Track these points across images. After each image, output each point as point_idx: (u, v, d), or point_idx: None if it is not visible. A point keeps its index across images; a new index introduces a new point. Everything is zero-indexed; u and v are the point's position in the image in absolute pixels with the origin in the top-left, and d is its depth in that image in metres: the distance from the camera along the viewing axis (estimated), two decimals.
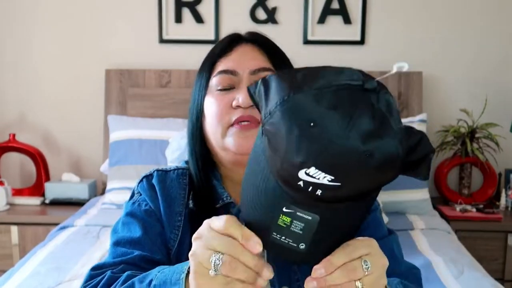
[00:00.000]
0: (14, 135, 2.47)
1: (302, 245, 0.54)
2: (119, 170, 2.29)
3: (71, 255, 1.68)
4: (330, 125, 0.47)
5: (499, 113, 2.50)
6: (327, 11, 2.53)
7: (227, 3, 2.54)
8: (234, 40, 0.88)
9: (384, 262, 0.60)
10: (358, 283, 0.56)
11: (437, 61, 2.55)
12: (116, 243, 0.82)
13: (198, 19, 2.55)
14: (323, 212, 0.52)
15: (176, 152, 2.10)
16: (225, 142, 0.82)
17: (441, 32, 2.54)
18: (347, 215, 0.54)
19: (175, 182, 0.87)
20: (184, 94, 2.46)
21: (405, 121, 2.32)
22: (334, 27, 2.55)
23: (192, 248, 0.57)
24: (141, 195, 0.87)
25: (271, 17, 2.54)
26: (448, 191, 2.47)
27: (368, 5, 2.52)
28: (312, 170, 0.48)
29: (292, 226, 0.53)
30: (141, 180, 0.89)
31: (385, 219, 2.00)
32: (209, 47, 0.92)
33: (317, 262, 0.56)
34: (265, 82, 0.54)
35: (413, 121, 2.38)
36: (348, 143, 0.47)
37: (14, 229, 2.20)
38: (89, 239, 1.84)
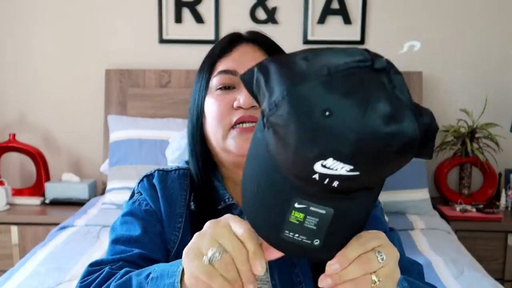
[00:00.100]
0: (14, 135, 2.47)
1: (317, 241, 0.52)
2: (119, 170, 2.29)
3: (71, 255, 1.68)
4: (347, 113, 0.45)
5: (499, 113, 2.50)
6: (327, 11, 2.52)
7: (227, 3, 2.54)
8: (234, 40, 0.87)
9: (396, 253, 0.58)
10: (374, 277, 0.54)
11: (437, 61, 2.55)
12: (115, 241, 0.81)
13: (198, 19, 2.55)
14: (338, 204, 0.50)
15: (176, 152, 2.10)
16: (226, 144, 0.81)
17: (441, 32, 2.53)
18: (360, 206, 0.52)
19: (176, 183, 0.86)
20: (184, 94, 2.45)
21: None
22: (334, 27, 2.55)
23: (202, 231, 0.57)
24: (141, 194, 0.86)
25: (271, 17, 2.54)
26: (448, 191, 2.47)
27: (368, 5, 2.52)
28: (330, 162, 0.46)
29: (306, 222, 0.51)
30: (142, 180, 0.88)
31: (385, 219, 2.00)
32: (209, 47, 0.91)
33: (331, 257, 0.54)
34: (264, 70, 0.50)
35: None
36: (370, 129, 0.45)
37: (14, 229, 2.20)
38: (89, 239, 1.84)
